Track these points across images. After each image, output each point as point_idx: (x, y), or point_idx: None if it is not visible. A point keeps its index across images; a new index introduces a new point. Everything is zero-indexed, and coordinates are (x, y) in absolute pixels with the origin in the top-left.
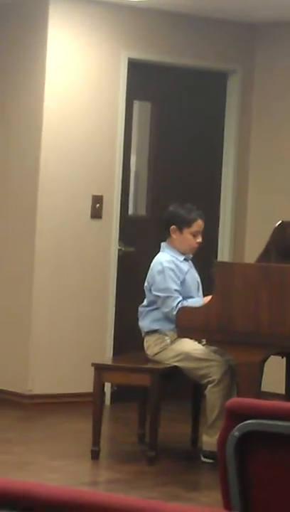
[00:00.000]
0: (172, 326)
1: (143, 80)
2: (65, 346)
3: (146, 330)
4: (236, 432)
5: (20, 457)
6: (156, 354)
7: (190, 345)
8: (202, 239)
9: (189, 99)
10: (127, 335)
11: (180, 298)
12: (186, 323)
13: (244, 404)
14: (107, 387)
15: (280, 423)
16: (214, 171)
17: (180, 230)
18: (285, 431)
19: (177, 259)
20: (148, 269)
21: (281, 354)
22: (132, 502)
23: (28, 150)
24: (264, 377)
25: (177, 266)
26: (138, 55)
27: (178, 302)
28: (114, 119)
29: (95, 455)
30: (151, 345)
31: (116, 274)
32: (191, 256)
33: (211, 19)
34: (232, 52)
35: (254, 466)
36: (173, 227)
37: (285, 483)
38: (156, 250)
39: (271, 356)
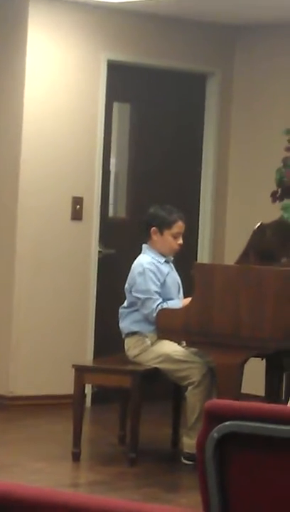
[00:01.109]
0: (152, 328)
1: (122, 81)
2: (45, 348)
3: (126, 331)
4: (215, 434)
5: (1, 459)
6: (136, 356)
7: (170, 347)
8: (183, 240)
9: (168, 101)
10: (108, 336)
11: (160, 300)
12: (166, 325)
13: (222, 405)
14: (88, 389)
15: (258, 424)
16: (193, 172)
17: (161, 231)
18: (263, 432)
19: (158, 261)
20: (128, 271)
21: (261, 356)
22: (112, 504)
23: (7, 151)
24: (243, 379)
25: (157, 268)
26: (118, 56)
27: (158, 304)
28: (94, 120)
29: (76, 457)
30: (131, 347)
31: (96, 276)
32: (172, 258)
33: (190, 21)
34: (211, 54)
35: (233, 467)
36: (153, 228)
37: (264, 485)
38: (137, 252)
39: (251, 358)
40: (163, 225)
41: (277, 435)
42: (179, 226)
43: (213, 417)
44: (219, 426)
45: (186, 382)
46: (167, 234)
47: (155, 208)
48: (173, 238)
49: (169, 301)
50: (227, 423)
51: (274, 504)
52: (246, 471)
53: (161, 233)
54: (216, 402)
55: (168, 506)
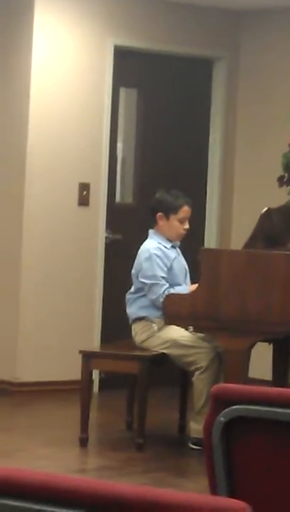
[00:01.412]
0: (159, 313)
1: (129, 66)
2: (52, 334)
3: (133, 317)
4: (222, 418)
5: (9, 445)
6: (143, 341)
7: (178, 333)
8: (190, 226)
9: (175, 86)
10: (115, 322)
11: (167, 285)
12: (173, 311)
13: (229, 389)
14: (95, 375)
15: (265, 408)
16: (200, 157)
17: (167, 216)
18: (271, 416)
19: (164, 246)
20: (135, 257)
21: (268, 340)
22: (120, 489)
23: (14, 138)
24: (251, 363)
25: (164, 253)
26: (125, 42)
27: (165, 289)
28: (101, 106)
29: (84, 442)
30: (138, 333)
31: (103, 261)
32: (179, 243)
33: (197, 6)
34: (218, 39)
35: (240, 451)
36: (159, 214)
37: (271, 469)
38: (143, 238)
39: (258, 343)
40: (169, 210)
41: (284, 419)
42: (185, 211)
43: (220, 402)
44: (226, 410)
45: (193, 368)
46: (173, 219)
47: (161, 193)
48: (179, 223)
49: (176, 287)
50: (234, 407)
51: (281, 488)
52: (254, 455)
53: (167, 218)
54: (223, 386)
55: (176, 491)
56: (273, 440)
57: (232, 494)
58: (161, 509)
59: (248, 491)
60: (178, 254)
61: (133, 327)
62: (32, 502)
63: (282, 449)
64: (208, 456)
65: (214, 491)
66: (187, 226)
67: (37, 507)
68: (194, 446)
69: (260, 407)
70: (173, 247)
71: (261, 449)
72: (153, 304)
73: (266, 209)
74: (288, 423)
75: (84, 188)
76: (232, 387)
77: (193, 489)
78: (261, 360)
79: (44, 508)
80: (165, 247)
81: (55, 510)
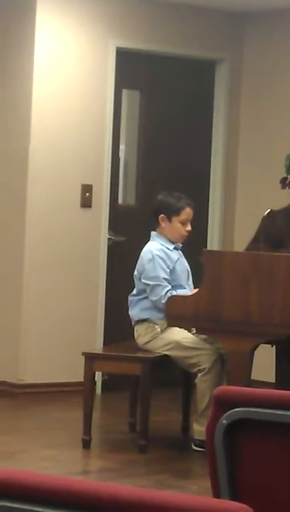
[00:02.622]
0: (162, 315)
1: (131, 68)
2: (55, 335)
3: (135, 319)
4: (224, 420)
5: (11, 446)
6: (146, 343)
7: (180, 334)
8: (192, 227)
9: (178, 88)
10: (117, 324)
11: (169, 287)
12: (176, 312)
13: (231, 392)
14: (98, 376)
15: (268, 411)
16: (203, 159)
17: (169, 218)
18: (273, 418)
19: (167, 247)
20: (138, 259)
21: (271, 342)
22: (122, 491)
23: (16, 139)
24: (254, 365)
25: (167, 254)
26: (127, 43)
27: (167, 291)
28: (103, 108)
29: (86, 444)
30: (141, 334)
31: (106, 263)
32: (181, 245)
33: (200, 7)
34: (221, 40)
35: (243, 453)
36: (161, 215)
37: (273, 471)
38: (146, 239)
39: (262, 345)
40: (172, 212)
41: (286, 421)
42: (187, 213)
43: (222, 404)
44: (228, 412)
45: (196, 369)
46: (175, 221)
47: (163, 195)
48: (181, 225)
49: (179, 290)
50: (237, 409)
51: (283, 490)
52: (256, 457)
53: (170, 220)
54: (225, 388)
55: (179, 493)
56: (275, 442)
57: (234, 496)
58: (164, 511)
59: (250, 493)
60: (180, 256)
61: (135, 329)
62: (34, 504)
63: (284, 451)
64: (211, 458)
65: (216, 493)
66: (189, 228)
67: (39, 509)
68: (197, 448)
69: (262, 410)
70: (176, 248)
71: (264, 451)
72: (155, 306)
73: (268, 211)
74: None
75: (87, 189)
76: (235, 390)
77: (196, 491)
78: (265, 362)
79: (46, 510)
80: (168, 249)
81: None
